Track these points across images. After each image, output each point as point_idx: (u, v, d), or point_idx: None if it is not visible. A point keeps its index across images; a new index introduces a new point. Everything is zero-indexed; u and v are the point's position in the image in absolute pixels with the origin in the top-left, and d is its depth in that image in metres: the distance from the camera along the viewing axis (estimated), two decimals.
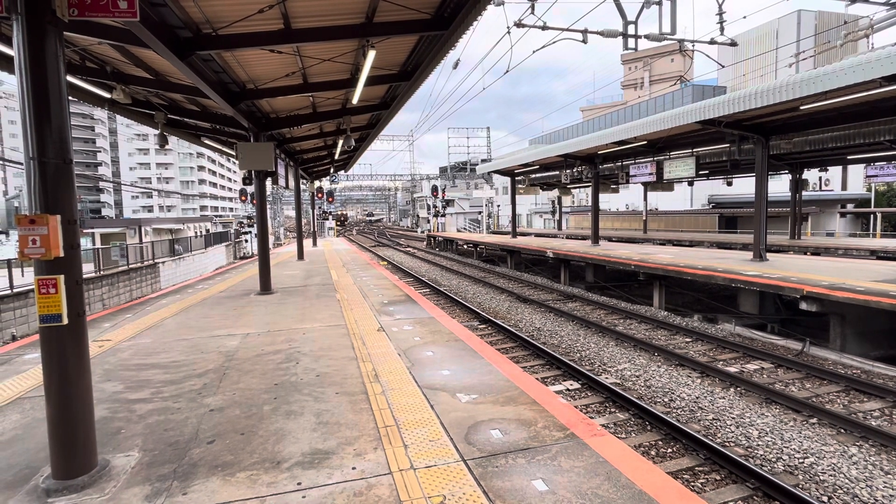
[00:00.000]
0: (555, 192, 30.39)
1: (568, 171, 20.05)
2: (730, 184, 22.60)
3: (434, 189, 41.04)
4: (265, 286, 10.05)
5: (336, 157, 18.91)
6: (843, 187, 31.06)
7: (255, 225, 19.98)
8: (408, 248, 34.11)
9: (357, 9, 5.88)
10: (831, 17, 36.79)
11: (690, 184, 25.36)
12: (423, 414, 3.79)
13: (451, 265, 22.43)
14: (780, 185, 25.00)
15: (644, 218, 27.06)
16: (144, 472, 3.03)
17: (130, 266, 18.19)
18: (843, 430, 5.38)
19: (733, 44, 14.09)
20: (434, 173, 67.44)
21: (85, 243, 23.00)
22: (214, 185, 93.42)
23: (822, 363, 7.62)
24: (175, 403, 4.14)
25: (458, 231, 48.34)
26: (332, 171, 26.38)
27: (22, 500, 2.78)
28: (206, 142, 13.17)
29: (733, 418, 5.72)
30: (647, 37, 12.90)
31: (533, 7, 11.46)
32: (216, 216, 68.48)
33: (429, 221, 44.70)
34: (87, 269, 15.42)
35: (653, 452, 5.04)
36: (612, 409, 6.10)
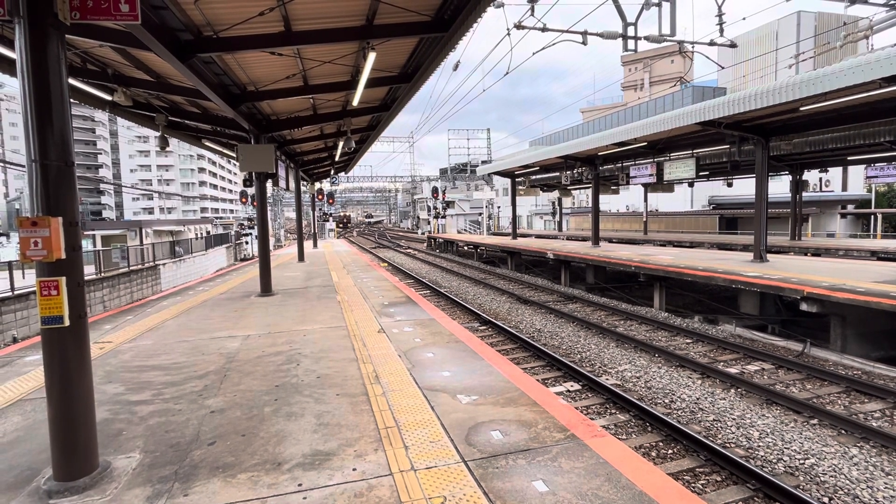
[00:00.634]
0: (555, 194, 30.41)
1: (568, 172, 20.06)
2: (730, 185, 22.59)
3: (434, 190, 41.06)
4: (266, 288, 10.06)
5: (336, 158, 18.93)
6: (844, 188, 31.05)
7: (255, 227, 20.00)
8: (408, 250, 34.12)
9: (357, 11, 5.89)
10: (831, 19, 36.83)
11: (691, 185, 25.36)
12: (423, 415, 3.80)
13: (452, 267, 22.44)
14: (780, 186, 24.98)
15: (644, 219, 27.07)
16: (146, 474, 3.04)
17: (131, 268, 18.21)
18: (843, 431, 5.38)
19: (733, 45, 14.12)
20: (434, 175, 67.52)
21: (86, 245, 23.02)
22: (215, 186, 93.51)
23: (822, 364, 7.62)
24: (176, 405, 4.14)
25: (459, 232, 48.36)
26: (332, 172, 26.41)
27: (23, 501, 2.79)
28: (207, 144, 13.19)
29: (734, 419, 5.72)
30: (646, 38, 12.92)
31: (533, 9, 11.49)
32: (217, 218, 68.52)
33: (429, 223, 44.72)
34: (89, 270, 15.45)
35: (653, 453, 5.04)
36: (613, 411, 6.09)
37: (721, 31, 13.23)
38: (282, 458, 3.19)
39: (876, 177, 15.39)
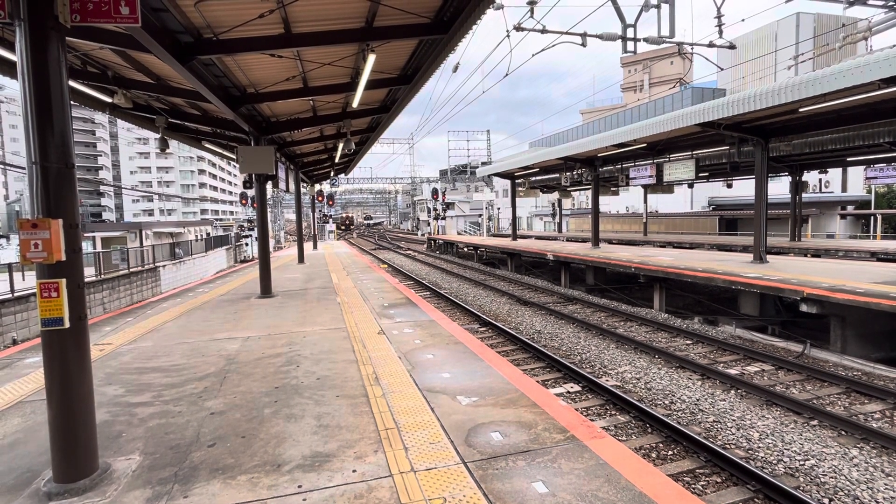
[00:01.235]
0: (555, 195, 30.43)
1: (568, 173, 20.07)
2: (730, 186, 22.61)
3: (434, 192, 41.08)
4: (266, 289, 10.06)
5: (336, 160, 18.94)
6: (843, 189, 31.06)
7: (255, 228, 20.01)
8: (408, 251, 34.12)
9: (357, 13, 5.90)
10: (830, 20, 36.87)
11: (690, 186, 25.40)
12: (423, 416, 3.80)
13: (452, 268, 22.44)
14: (780, 187, 25.01)
15: (644, 220, 27.08)
16: (145, 476, 3.04)
17: (131, 270, 18.21)
18: (844, 432, 5.37)
19: (732, 46, 14.14)
20: (434, 176, 67.60)
21: (86, 247, 23.03)
22: (215, 188, 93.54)
23: (822, 365, 7.62)
24: (176, 407, 4.14)
25: (459, 234, 48.37)
26: (332, 174, 26.43)
27: (23, 503, 2.79)
28: (207, 145, 13.21)
29: (734, 420, 5.72)
30: (646, 40, 12.95)
31: (532, 11, 11.52)
32: (217, 220, 68.53)
33: (429, 224, 44.74)
34: (89, 272, 15.45)
35: (653, 455, 5.04)
36: (613, 412, 6.09)
37: (720, 32, 13.25)
38: (282, 460, 3.19)
39: (875, 178, 15.39)
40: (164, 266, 21.08)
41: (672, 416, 5.93)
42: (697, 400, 6.34)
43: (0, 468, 3.19)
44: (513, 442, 3.35)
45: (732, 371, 7.42)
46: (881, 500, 4.16)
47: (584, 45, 12.79)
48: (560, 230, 37.25)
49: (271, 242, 34.15)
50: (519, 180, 25.95)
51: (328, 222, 46.91)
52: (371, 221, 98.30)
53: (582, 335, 9.80)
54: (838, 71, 8.24)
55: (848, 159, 15.68)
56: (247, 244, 36.42)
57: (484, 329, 10.50)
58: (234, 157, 12.44)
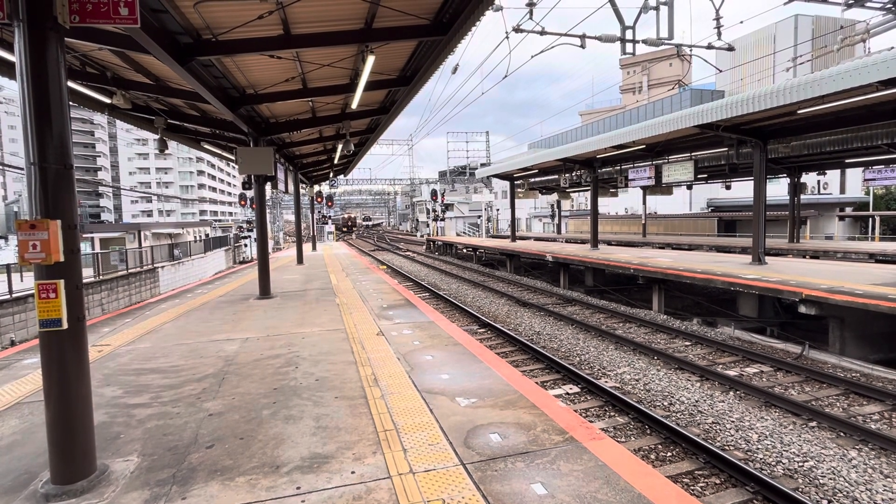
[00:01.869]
0: (554, 196, 30.47)
1: (567, 174, 20.08)
2: (728, 187, 22.61)
3: (433, 193, 41.08)
4: (264, 290, 10.05)
5: (335, 161, 18.94)
6: (842, 191, 31.11)
7: (254, 229, 19.99)
8: (407, 253, 34.11)
9: (356, 14, 5.91)
10: (828, 22, 36.95)
11: (689, 187, 25.43)
12: (422, 418, 3.79)
13: (451, 269, 22.44)
14: (778, 189, 25.04)
15: (643, 221, 27.10)
16: (143, 477, 3.03)
17: (130, 271, 18.19)
18: (842, 434, 5.38)
19: (731, 48, 14.17)
20: (433, 177, 67.61)
21: (84, 248, 22.99)
22: (214, 189, 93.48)
23: (821, 366, 7.62)
24: (174, 408, 4.13)
25: (458, 235, 48.37)
26: (331, 175, 26.42)
27: None
28: (206, 146, 13.20)
29: (733, 422, 5.72)
30: (644, 42, 12.97)
31: (531, 12, 11.53)
32: (216, 220, 68.44)
33: (428, 225, 44.73)
34: (87, 273, 15.43)
35: (652, 456, 5.04)
36: (612, 413, 6.09)
37: (719, 34, 13.28)
38: (280, 462, 3.19)
39: (874, 179, 15.41)
40: (162, 267, 21.05)
41: (671, 417, 5.93)
42: (696, 401, 6.34)
43: None
44: (512, 443, 3.34)
45: (731, 372, 7.43)
46: (880, 501, 4.16)
47: (582, 46, 12.81)
48: (559, 231, 37.27)
49: (270, 243, 34.14)
50: (518, 182, 25.97)
51: (327, 223, 46.88)
52: (370, 222, 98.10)
53: (581, 336, 9.80)
54: (837, 73, 8.26)
55: (846, 161, 15.72)
56: (246, 245, 36.38)
57: (483, 330, 10.49)
58: (233, 158, 12.44)
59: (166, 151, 10.59)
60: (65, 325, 2.84)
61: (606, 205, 40.07)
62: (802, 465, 4.73)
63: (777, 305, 10.42)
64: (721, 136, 12.30)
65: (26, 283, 12.81)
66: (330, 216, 49.37)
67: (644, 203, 26.51)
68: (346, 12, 5.84)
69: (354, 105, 9.10)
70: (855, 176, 29.21)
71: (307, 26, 6.08)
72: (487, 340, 9.61)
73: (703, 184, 23.14)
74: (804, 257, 15.58)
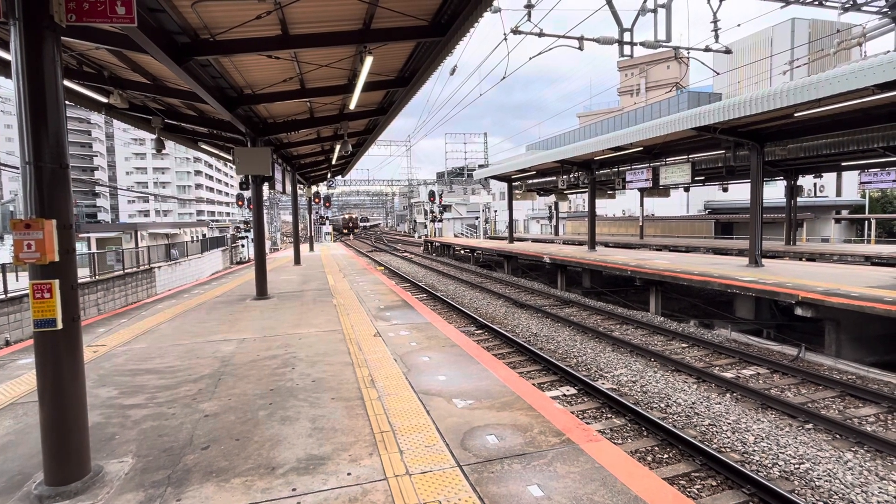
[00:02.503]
0: (552, 198, 30.49)
1: (565, 176, 20.12)
2: (725, 190, 22.71)
3: (431, 194, 41.08)
4: (261, 291, 10.02)
5: (333, 162, 18.92)
6: (838, 193, 31.22)
7: (251, 230, 19.96)
8: (405, 254, 34.10)
9: (355, 15, 5.90)
10: (825, 26, 37.13)
11: (686, 190, 25.47)
12: (418, 419, 3.79)
13: (448, 270, 22.44)
14: (775, 191, 25.13)
15: (640, 223, 27.16)
16: (138, 479, 3.01)
17: (126, 271, 18.12)
18: (838, 436, 5.39)
19: (728, 51, 14.22)
20: (431, 178, 67.60)
21: (80, 248, 22.90)
22: (211, 189, 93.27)
23: (817, 369, 7.64)
24: (170, 409, 4.12)
25: (456, 236, 48.38)
26: (329, 176, 26.39)
27: None
28: (204, 146, 13.17)
29: (729, 424, 5.73)
30: (642, 44, 13.00)
31: (529, 14, 11.55)
32: (213, 221, 68.24)
33: (426, 226, 44.73)
34: (83, 273, 15.36)
35: (649, 458, 5.04)
36: (609, 415, 6.09)
37: (716, 37, 13.33)
38: (276, 463, 3.17)
39: (870, 182, 15.45)
40: (159, 267, 20.98)
41: (668, 419, 5.94)
42: (693, 403, 6.35)
43: None
44: (508, 445, 3.34)
45: (728, 374, 7.44)
46: (875, 503, 4.17)
47: (580, 48, 12.83)
48: (556, 233, 37.30)
49: (267, 244, 34.04)
50: (516, 183, 25.99)
51: (325, 224, 46.81)
52: (368, 223, 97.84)
53: (578, 338, 9.80)
54: (833, 76, 8.30)
55: (842, 164, 15.79)
56: (243, 245, 36.30)
57: (480, 332, 10.49)
58: (230, 158, 12.41)
59: (163, 151, 10.56)
60: (59, 326, 2.82)
61: (604, 206, 40.12)
62: (799, 468, 4.74)
63: (774, 308, 10.45)
64: (718, 139, 12.34)
65: (22, 282, 12.75)
66: (328, 217, 49.30)
67: (641, 205, 26.56)
68: (344, 13, 5.83)
69: (352, 106, 9.09)
70: (851, 179, 29.32)
71: (305, 26, 6.07)
72: (485, 342, 9.60)
73: (700, 186, 23.21)
74: (800, 260, 15.63)
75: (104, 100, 7.94)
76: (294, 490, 2.85)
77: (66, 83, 6.91)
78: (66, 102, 3.59)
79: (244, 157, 9.52)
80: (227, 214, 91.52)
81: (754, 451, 5.09)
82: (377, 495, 2.78)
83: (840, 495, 4.29)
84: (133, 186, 77.27)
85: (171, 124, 10.18)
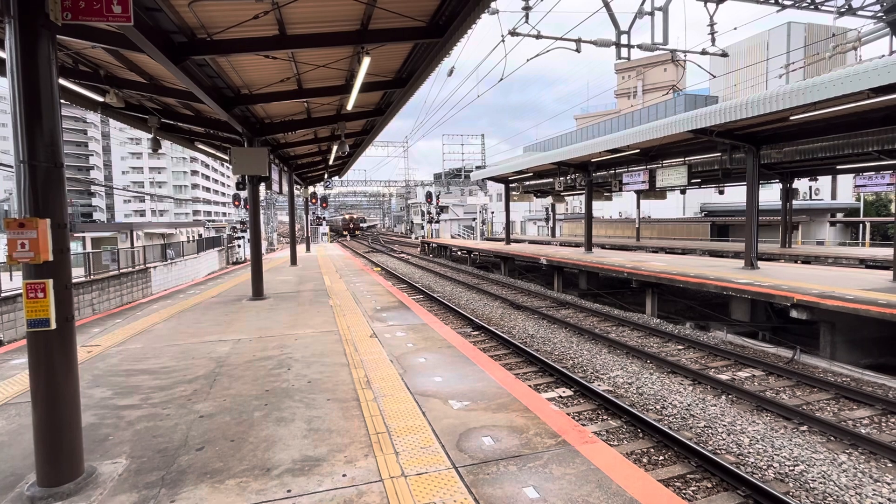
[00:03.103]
0: (549, 200, 30.52)
1: (562, 178, 20.15)
2: (721, 192, 22.78)
3: (428, 195, 41.08)
4: (257, 292, 9.99)
5: (330, 162, 18.89)
6: (833, 197, 31.41)
7: (247, 230, 19.91)
8: (402, 255, 34.07)
9: (352, 16, 5.90)
10: (820, 30, 37.37)
11: (683, 192, 25.53)
12: (414, 421, 3.78)
13: (445, 271, 22.43)
14: (771, 194, 25.23)
15: (637, 226, 27.23)
16: (132, 480, 2.99)
17: (121, 270, 18.04)
18: (833, 438, 5.41)
19: (724, 55, 14.28)
20: (428, 179, 67.58)
21: (75, 247, 22.79)
22: (208, 189, 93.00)
23: (812, 371, 7.68)
24: (164, 410, 4.09)
25: (453, 237, 48.36)
26: (326, 176, 26.35)
27: None
28: (200, 146, 13.12)
29: (725, 426, 5.74)
30: (639, 47, 13.03)
31: (527, 16, 11.57)
32: (209, 221, 68.05)
33: (423, 228, 44.72)
34: (78, 273, 15.28)
35: (644, 460, 5.04)
36: (605, 417, 6.10)
37: (713, 40, 13.38)
38: (271, 464, 3.16)
39: (864, 186, 15.51)
40: (154, 267, 20.89)
41: (663, 421, 5.94)
42: (689, 405, 6.36)
43: None
44: (504, 447, 3.33)
45: (723, 376, 7.46)
46: None
47: (578, 50, 12.86)
48: (553, 235, 37.35)
49: (264, 244, 33.94)
50: (513, 184, 26.02)
51: (321, 224, 46.74)
52: (365, 224, 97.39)
53: (574, 340, 9.81)
54: (829, 80, 8.34)
55: (837, 167, 15.87)
56: (239, 246, 36.18)
57: (477, 333, 10.48)
58: (227, 158, 12.39)
59: (160, 151, 10.53)
60: (53, 326, 2.80)
61: (601, 208, 40.23)
62: (793, 469, 4.75)
63: (769, 310, 10.48)
64: (714, 142, 12.39)
65: (15, 282, 12.67)
66: (325, 217, 49.21)
67: (638, 207, 26.63)
68: (341, 13, 5.83)
69: (350, 106, 9.08)
70: (846, 182, 29.51)
71: (303, 27, 6.06)
72: (481, 343, 9.60)
73: (696, 188, 23.27)
74: (796, 262, 15.71)
75: (100, 99, 7.90)
76: (289, 491, 2.84)
77: (62, 82, 6.88)
78: (62, 101, 3.58)
79: (241, 157, 9.49)
80: (224, 214, 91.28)
81: (749, 452, 5.11)
82: (372, 497, 2.77)
83: (834, 497, 4.30)
84: (129, 186, 76.95)
85: (168, 124, 10.14)
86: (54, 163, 2.84)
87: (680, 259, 15.99)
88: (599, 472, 3.00)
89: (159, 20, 5.41)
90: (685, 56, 14.17)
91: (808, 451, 5.08)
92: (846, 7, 14.05)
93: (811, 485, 4.49)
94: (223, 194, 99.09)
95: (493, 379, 4.72)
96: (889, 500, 4.25)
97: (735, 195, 22.98)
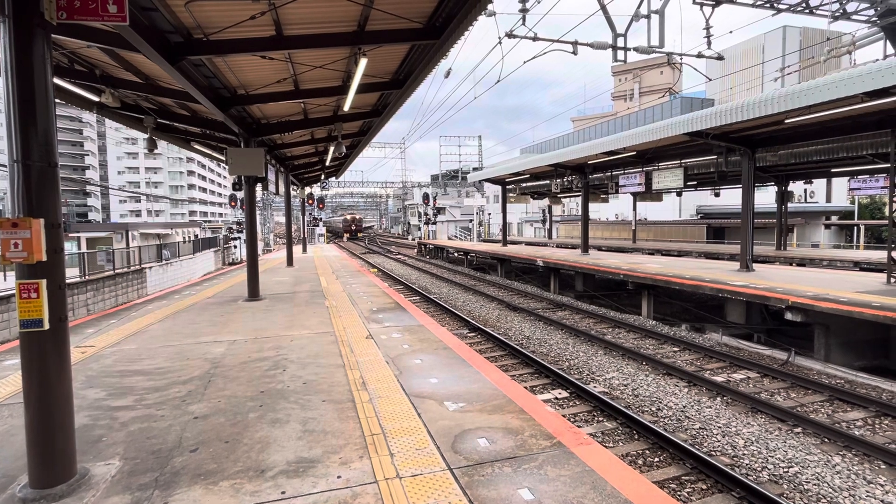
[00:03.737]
0: (545, 202, 30.59)
1: (558, 180, 20.19)
2: (717, 195, 22.89)
3: (425, 197, 41.09)
4: (253, 292, 9.96)
5: (327, 163, 18.88)
6: (828, 199, 31.58)
7: (244, 230, 19.83)
8: (398, 256, 34.05)
9: (349, 17, 5.90)
10: (815, 34, 37.59)
11: (679, 194, 25.65)
12: (410, 422, 3.77)
13: (442, 273, 22.42)
14: (766, 197, 25.36)
15: (633, 228, 27.30)
16: (125, 481, 2.98)
17: (116, 271, 17.95)
18: (827, 440, 5.43)
19: (720, 58, 14.36)
20: (425, 181, 67.50)
21: (70, 247, 22.67)
22: (204, 190, 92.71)
23: (806, 373, 7.71)
24: (158, 411, 4.07)
25: (449, 239, 48.37)
26: (323, 177, 26.33)
27: None
28: (196, 146, 13.09)
29: (720, 427, 5.76)
30: (636, 49, 13.09)
31: (524, 18, 11.61)
32: (205, 221, 67.77)
33: (420, 229, 44.72)
34: (72, 273, 15.20)
35: (640, 461, 5.05)
36: (600, 418, 6.10)
37: (709, 43, 13.45)
38: (265, 466, 3.15)
39: (859, 189, 15.66)
40: (150, 268, 20.81)
41: (659, 422, 5.95)
42: (684, 407, 6.38)
43: None
44: (499, 448, 3.33)
45: (719, 378, 7.48)
46: None
47: (575, 52, 12.91)
48: (550, 236, 37.41)
49: (260, 245, 33.88)
50: (510, 186, 26.05)
51: (318, 225, 46.66)
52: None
53: (570, 341, 9.82)
54: (823, 83, 8.40)
55: (832, 170, 15.97)
56: (235, 246, 36.06)
57: (473, 334, 10.48)
58: (223, 158, 12.33)
59: (156, 151, 10.49)
60: (46, 326, 2.79)
61: (597, 210, 40.33)
62: (787, 471, 4.77)
63: (764, 312, 10.53)
64: (710, 144, 12.44)
65: (8, 282, 12.60)
66: (322, 218, 49.11)
67: (634, 209, 26.71)
68: (338, 14, 5.83)
69: (347, 107, 9.08)
70: (841, 185, 29.67)
71: (300, 27, 6.06)
72: (477, 344, 9.60)
73: (692, 191, 23.37)
74: (791, 265, 15.77)
75: (95, 98, 7.88)
76: (283, 493, 2.83)
77: (57, 81, 6.85)
78: (57, 101, 3.56)
79: (237, 157, 9.47)
80: (220, 215, 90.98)
81: (744, 454, 5.12)
82: (367, 498, 2.76)
83: (828, 499, 4.32)
84: (125, 186, 76.64)
85: (164, 124, 10.11)
86: (48, 162, 2.83)
87: (676, 261, 16.03)
88: (594, 473, 3.00)
89: (155, 20, 5.40)
90: (681, 59, 14.24)
91: (803, 453, 5.10)
92: (841, 11, 14.15)
93: (805, 486, 4.51)
94: (219, 195, 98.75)
95: (488, 380, 4.72)
96: (882, 501, 4.27)
97: (731, 198, 23.06)
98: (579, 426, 5.86)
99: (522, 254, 19.89)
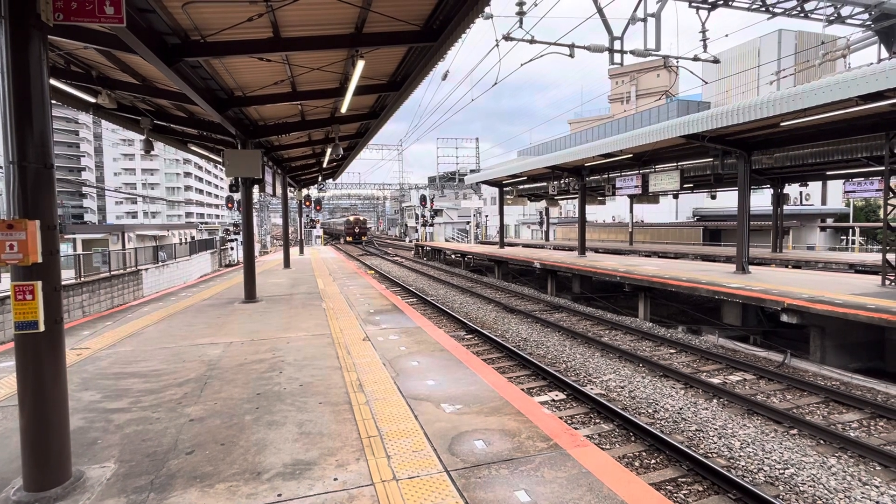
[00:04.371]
0: (542, 204, 30.59)
1: (555, 182, 20.24)
2: (714, 197, 22.94)
3: (422, 199, 41.10)
4: (250, 294, 9.94)
5: (324, 165, 18.87)
6: (823, 202, 31.74)
7: (240, 232, 19.79)
8: (395, 258, 34.03)
9: (346, 19, 5.91)
10: (811, 38, 37.81)
11: (675, 197, 25.68)
12: (406, 424, 3.77)
13: (439, 275, 22.41)
14: (762, 199, 25.45)
15: (630, 230, 27.35)
16: (120, 484, 2.96)
17: (112, 273, 17.87)
18: (822, 441, 5.45)
19: (716, 61, 14.44)
20: (423, 183, 67.50)
21: (66, 249, 22.56)
22: (200, 191, 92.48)
23: (802, 375, 7.73)
24: (154, 413, 4.06)
25: (447, 241, 48.38)
26: (320, 179, 26.31)
27: None
28: (193, 148, 13.07)
29: (716, 429, 5.77)
30: (632, 52, 13.15)
31: (521, 21, 11.65)
32: (202, 223, 67.60)
33: (417, 231, 44.71)
34: (68, 275, 15.13)
35: (636, 463, 5.06)
36: (597, 420, 6.11)
37: (705, 47, 13.53)
38: (261, 468, 3.14)
39: (854, 191, 15.74)
40: (146, 269, 20.73)
41: (655, 424, 5.96)
42: (680, 409, 6.39)
43: None
44: (496, 450, 3.33)
45: (715, 380, 7.50)
46: None
47: (571, 55, 12.95)
48: (547, 238, 37.47)
49: (257, 247, 33.77)
50: (507, 188, 26.09)
51: (315, 227, 46.59)
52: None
53: (567, 343, 9.83)
54: (818, 87, 8.45)
55: (827, 173, 16.04)
56: (232, 248, 35.97)
57: (470, 336, 10.48)
58: (220, 160, 12.33)
59: (152, 153, 10.47)
60: (41, 328, 2.78)
61: (594, 212, 40.39)
62: (783, 473, 4.78)
63: (760, 314, 10.56)
64: (707, 147, 12.49)
65: (3, 284, 12.53)
66: (319, 220, 49.03)
67: (631, 211, 26.77)
68: (336, 16, 5.83)
69: (344, 109, 9.08)
70: (836, 188, 29.78)
71: (297, 30, 6.07)
72: (474, 346, 9.59)
73: (688, 193, 23.41)
74: (786, 267, 15.84)
75: (92, 100, 7.86)
76: (279, 496, 2.82)
77: (53, 82, 6.83)
78: (53, 102, 3.55)
79: (234, 159, 9.46)
80: (217, 217, 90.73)
81: (740, 456, 5.13)
82: (364, 501, 2.76)
83: (824, 500, 4.33)
84: (121, 187, 76.36)
85: (161, 125, 10.09)
86: (44, 164, 2.82)
87: (672, 263, 16.08)
88: (591, 475, 3.00)
89: (152, 21, 5.39)
90: (678, 62, 14.31)
91: (798, 455, 5.11)
92: (835, 15, 14.25)
93: (801, 488, 4.52)
94: (216, 196, 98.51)
95: (485, 382, 4.72)
96: (878, 503, 4.28)
97: (727, 200, 23.15)
98: (576, 428, 5.86)
99: (519, 256, 19.91)
